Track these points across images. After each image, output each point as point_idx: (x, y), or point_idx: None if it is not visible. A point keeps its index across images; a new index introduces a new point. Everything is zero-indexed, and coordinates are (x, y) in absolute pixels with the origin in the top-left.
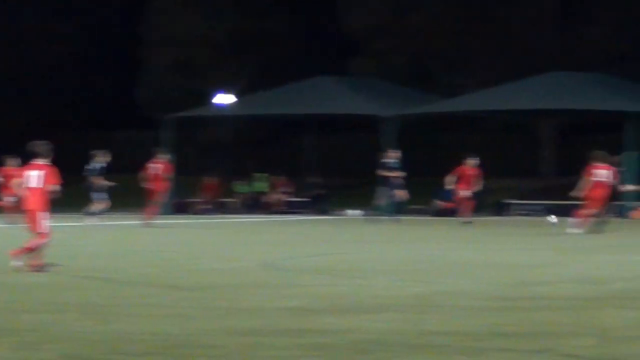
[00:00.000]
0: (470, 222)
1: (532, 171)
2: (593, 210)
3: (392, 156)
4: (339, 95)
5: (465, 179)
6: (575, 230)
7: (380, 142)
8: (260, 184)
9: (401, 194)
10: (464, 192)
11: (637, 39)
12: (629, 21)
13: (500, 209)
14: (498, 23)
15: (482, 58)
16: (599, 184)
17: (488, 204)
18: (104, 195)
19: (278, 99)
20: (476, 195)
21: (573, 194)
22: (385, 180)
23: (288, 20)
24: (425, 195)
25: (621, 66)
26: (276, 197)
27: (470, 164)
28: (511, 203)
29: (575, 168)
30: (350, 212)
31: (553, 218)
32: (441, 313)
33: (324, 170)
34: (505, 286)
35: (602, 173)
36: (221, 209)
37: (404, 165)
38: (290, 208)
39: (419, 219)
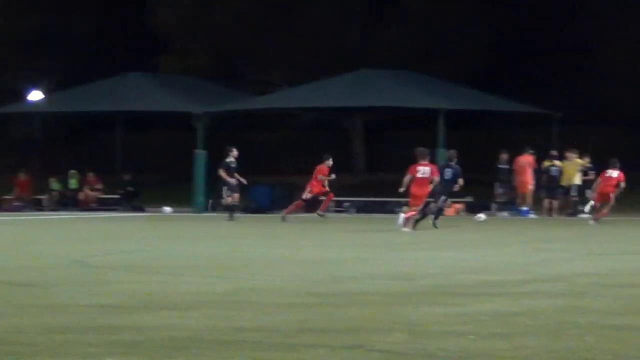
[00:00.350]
0: (323, 216)
1: (343, 168)
2: (416, 207)
3: (234, 155)
4: (150, 92)
5: (324, 177)
6: (406, 229)
7: (191, 139)
8: (73, 181)
9: (235, 197)
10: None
11: (441, 37)
12: (434, 20)
13: (311, 206)
14: (306, 21)
15: (292, 56)
16: (419, 180)
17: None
18: None
19: (89, 96)
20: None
21: (400, 190)
22: (224, 181)
23: (96, 18)
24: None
25: (428, 64)
26: (87, 194)
27: (327, 164)
28: (322, 200)
29: (385, 165)
30: (165, 209)
31: (481, 217)
32: (253, 309)
33: (136, 167)
34: (316, 282)
35: (424, 170)
36: (35, 206)
37: (215, 163)
38: (102, 205)
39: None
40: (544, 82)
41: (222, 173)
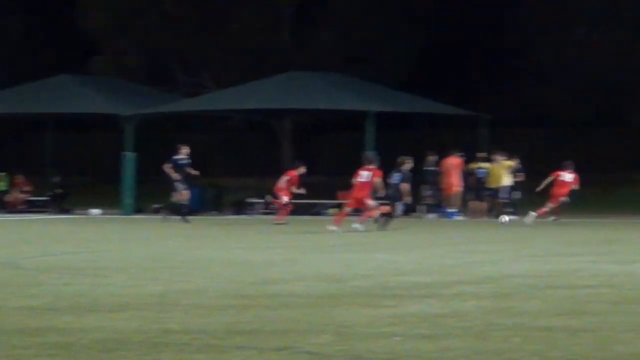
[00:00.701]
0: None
1: (272, 170)
2: (370, 208)
3: (184, 152)
4: (80, 94)
5: (293, 183)
6: (359, 227)
7: (121, 142)
8: (2, 183)
9: (184, 195)
10: (285, 198)
11: (370, 40)
12: (363, 23)
13: (241, 208)
14: (236, 23)
15: (222, 57)
16: (359, 184)
17: (229, 202)
18: None
19: (18, 98)
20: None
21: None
22: (176, 178)
23: (25, 19)
24: (166, 195)
25: (357, 66)
26: (16, 196)
27: (300, 170)
28: (252, 202)
29: (315, 167)
30: (93, 211)
31: (505, 218)
32: (182, 311)
33: (65, 170)
34: (245, 284)
35: (365, 174)
36: None
37: (144, 166)
38: (31, 207)
39: (159, 217)
40: (472, 84)
41: (166, 168)
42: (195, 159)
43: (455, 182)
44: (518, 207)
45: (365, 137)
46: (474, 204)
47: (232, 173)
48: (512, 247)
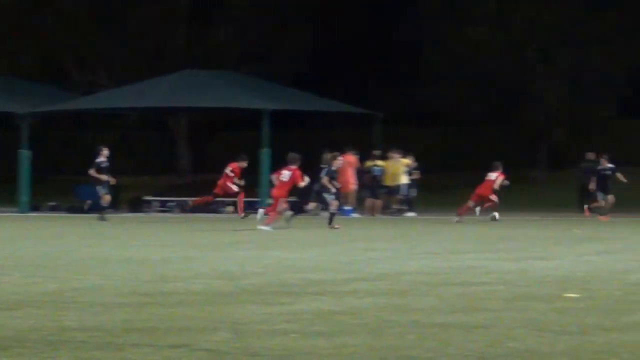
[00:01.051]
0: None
1: (168, 168)
2: (279, 207)
3: (104, 155)
4: None
5: (236, 175)
6: (266, 227)
7: (16, 139)
8: None
9: (106, 198)
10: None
11: (265, 38)
12: (258, 21)
13: (137, 206)
14: (132, 21)
15: (118, 56)
16: (280, 183)
17: (125, 200)
18: None
19: None
20: (112, 192)
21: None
22: (97, 180)
23: None
24: (62, 192)
25: (253, 65)
26: None
27: (242, 165)
28: (148, 200)
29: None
30: None
31: (496, 215)
32: (78, 309)
33: None
34: (142, 282)
35: (286, 174)
36: None
37: (40, 164)
38: None
39: (55, 215)
40: (367, 82)
41: (92, 173)
42: (92, 157)
43: (350, 180)
44: (414, 205)
45: (261, 135)
46: (369, 202)
47: (128, 171)
48: (407, 245)
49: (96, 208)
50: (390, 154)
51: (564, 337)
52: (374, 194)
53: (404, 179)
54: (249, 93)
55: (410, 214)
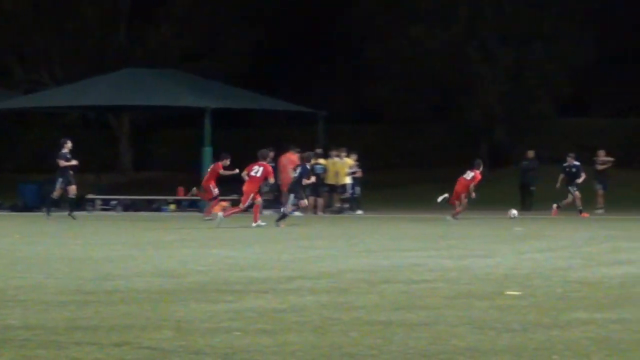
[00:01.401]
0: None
1: (111, 166)
2: (243, 204)
3: (67, 147)
4: None
5: (216, 176)
6: (261, 223)
7: None
8: None
9: (72, 189)
10: (215, 189)
11: (207, 37)
12: (200, 20)
13: (80, 204)
14: (74, 20)
15: (59, 55)
16: (251, 178)
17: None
18: None
19: None
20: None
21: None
22: (63, 171)
23: None
24: (4, 191)
25: (195, 63)
26: None
27: (225, 163)
28: (91, 198)
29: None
30: None
31: (514, 213)
32: (21, 307)
33: None
34: (84, 280)
35: (257, 169)
36: None
37: None
38: None
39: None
40: (309, 81)
41: (63, 163)
42: (33, 156)
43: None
44: (358, 203)
45: (202, 133)
46: (311, 200)
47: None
48: (349, 243)
49: (48, 202)
50: (337, 152)
51: (506, 334)
52: (316, 192)
53: (348, 178)
54: (190, 91)
55: (359, 212)
